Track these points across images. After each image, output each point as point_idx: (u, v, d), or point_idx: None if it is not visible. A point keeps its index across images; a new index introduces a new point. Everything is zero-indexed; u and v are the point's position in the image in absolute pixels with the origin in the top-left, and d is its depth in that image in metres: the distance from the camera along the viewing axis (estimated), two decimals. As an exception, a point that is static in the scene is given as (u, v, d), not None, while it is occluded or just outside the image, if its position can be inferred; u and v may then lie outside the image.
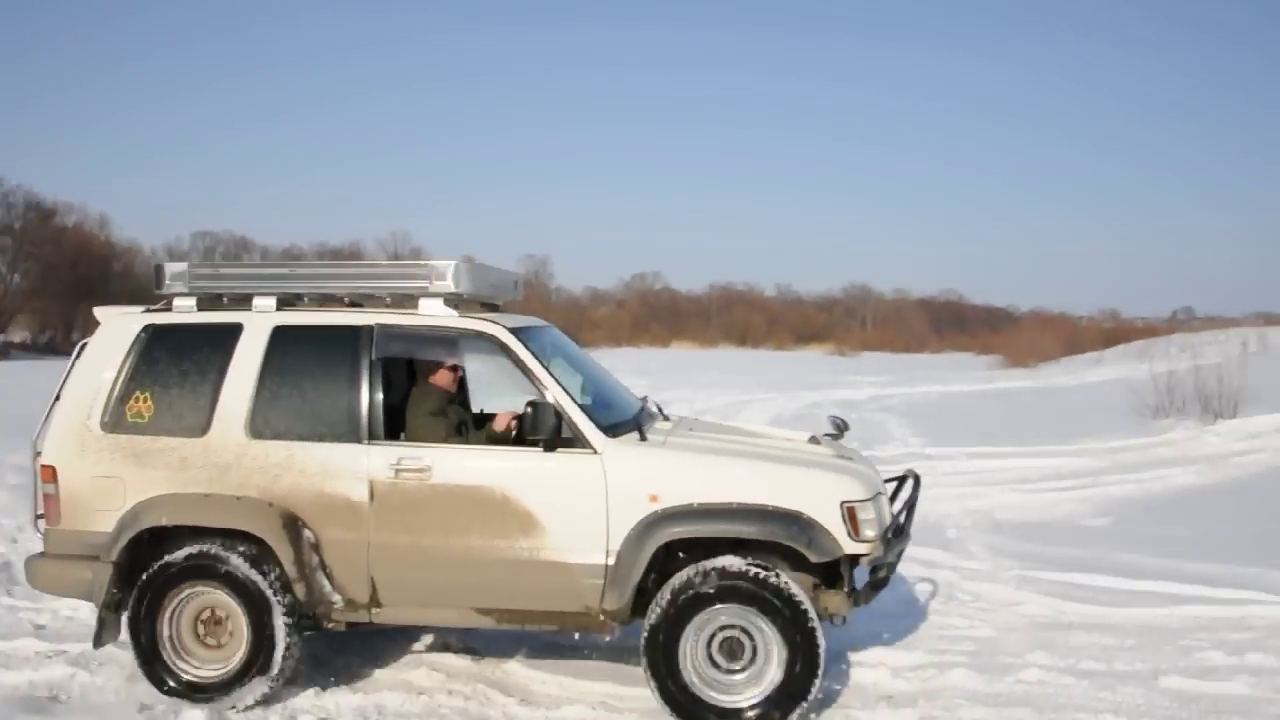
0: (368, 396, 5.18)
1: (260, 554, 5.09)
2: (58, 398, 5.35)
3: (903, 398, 26.08)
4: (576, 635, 5.36)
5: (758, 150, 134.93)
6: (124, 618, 5.17)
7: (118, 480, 5.20)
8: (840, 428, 6.09)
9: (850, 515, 4.86)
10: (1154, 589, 7.23)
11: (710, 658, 4.90)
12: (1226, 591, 7.06)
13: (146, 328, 5.38)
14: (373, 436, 5.14)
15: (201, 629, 5.20)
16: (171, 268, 5.48)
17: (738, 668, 4.88)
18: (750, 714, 4.79)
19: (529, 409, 4.91)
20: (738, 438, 5.73)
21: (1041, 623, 6.60)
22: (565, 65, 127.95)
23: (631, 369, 24.63)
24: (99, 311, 5.60)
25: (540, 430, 4.89)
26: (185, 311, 5.48)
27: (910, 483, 5.59)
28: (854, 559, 4.90)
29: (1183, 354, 22.44)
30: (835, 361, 57.46)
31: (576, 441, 4.99)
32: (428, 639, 6.10)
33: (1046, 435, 15.62)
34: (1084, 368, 31.02)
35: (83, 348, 5.47)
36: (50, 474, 5.26)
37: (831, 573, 5.03)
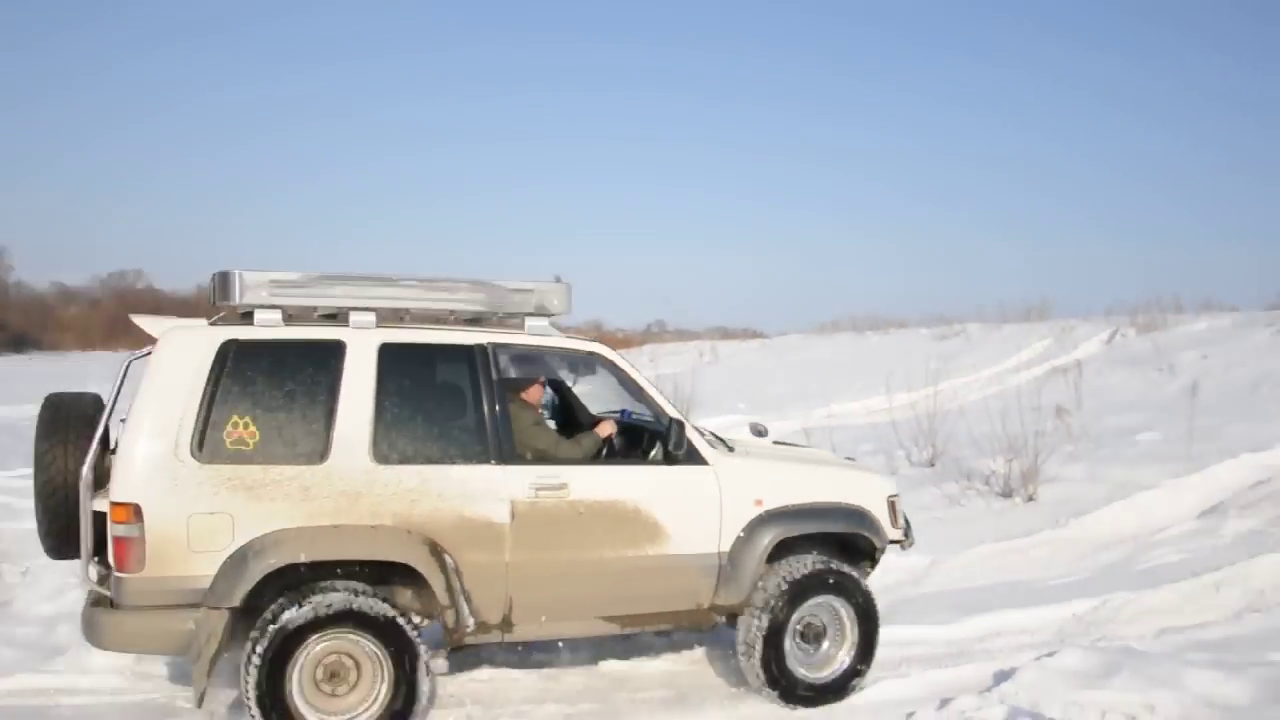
0: (493, 417, 5.16)
1: (400, 589, 5.00)
2: (123, 423, 4.65)
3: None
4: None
5: (259, 146, 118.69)
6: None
7: (224, 516, 4.62)
8: (761, 433, 6.78)
9: (891, 507, 5.98)
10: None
11: (798, 640, 5.63)
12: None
13: (229, 343, 4.78)
14: (501, 457, 5.13)
15: (321, 680, 4.74)
16: (250, 277, 4.86)
17: (823, 646, 5.71)
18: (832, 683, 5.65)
19: (672, 426, 5.34)
20: (786, 449, 6.56)
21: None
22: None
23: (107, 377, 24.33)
24: (150, 323, 4.99)
25: (680, 446, 5.34)
26: (271, 326, 4.96)
27: None
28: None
29: (651, 364, 24.50)
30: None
31: (693, 456, 5.43)
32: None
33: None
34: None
35: (131, 366, 4.98)
36: (131, 513, 4.51)
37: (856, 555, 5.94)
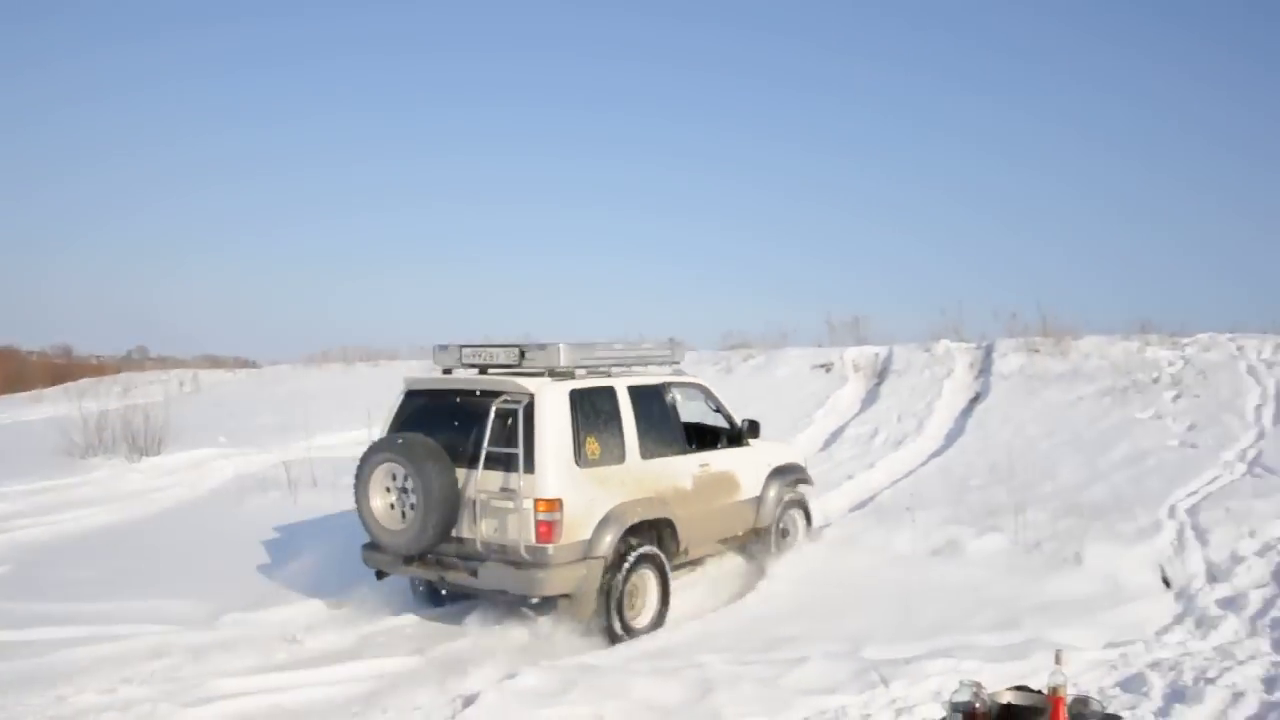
0: (678, 424, 8.36)
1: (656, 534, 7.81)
2: (529, 451, 6.95)
3: None
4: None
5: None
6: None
7: (593, 500, 7.24)
8: (756, 429, 9.67)
9: (805, 464, 10.04)
10: (50, 635, 7.39)
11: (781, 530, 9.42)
12: (121, 628, 7.54)
13: (574, 392, 7.35)
14: (684, 450, 8.28)
15: (630, 595, 7.54)
16: (568, 352, 7.47)
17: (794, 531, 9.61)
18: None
19: (748, 424, 9.20)
20: (773, 440, 10.16)
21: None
22: None
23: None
24: (533, 383, 7.21)
25: (757, 435, 9.28)
26: (583, 379, 7.58)
27: None
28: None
29: (127, 393, 23.72)
30: None
31: (746, 442, 9.12)
32: None
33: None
34: (21, 406, 29.08)
35: (514, 410, 7.06)
36: (555, 505, 6.96)
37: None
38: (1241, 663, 6.48)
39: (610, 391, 7.68)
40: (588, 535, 7.14)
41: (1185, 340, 15.45)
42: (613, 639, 7.28)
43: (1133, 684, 6.24)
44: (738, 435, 9.06)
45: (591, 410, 7.41)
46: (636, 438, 7.69)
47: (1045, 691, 4.05)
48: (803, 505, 9.64)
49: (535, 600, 7.13)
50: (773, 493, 9.15)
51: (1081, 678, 6.29)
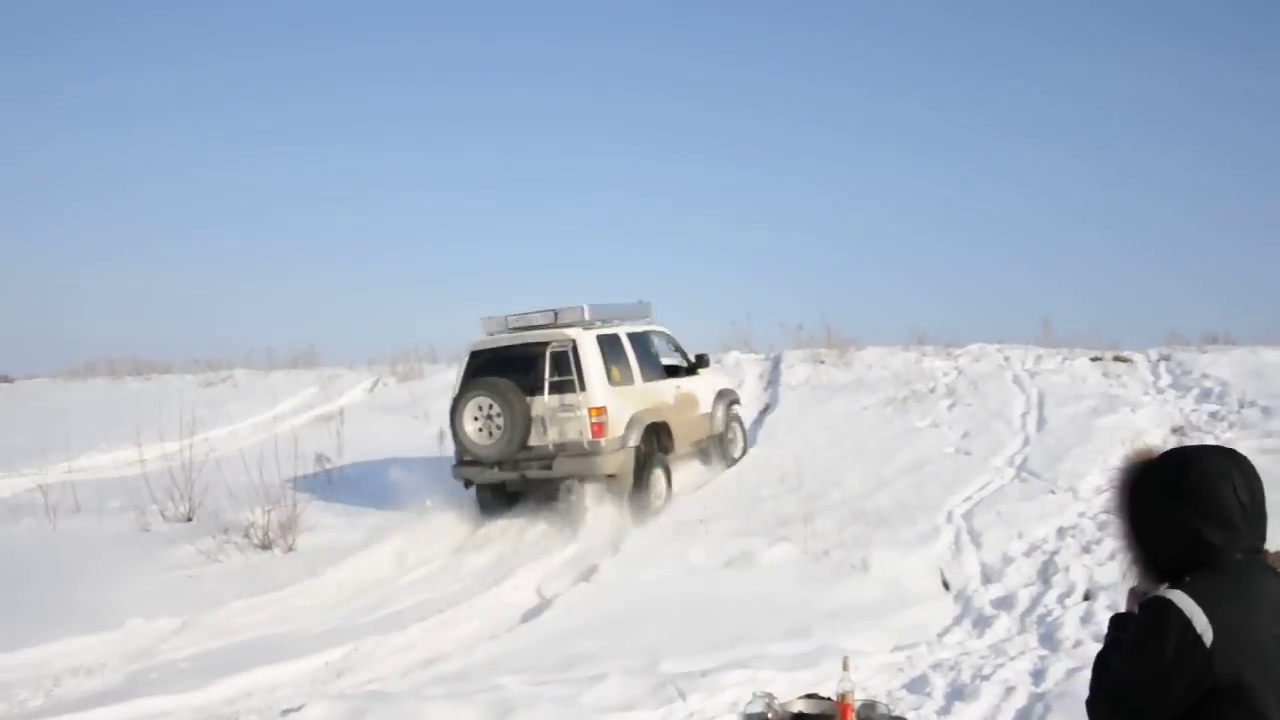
0: (658, 358, 11.90)
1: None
2: (580, 377, 10.22)
3: None
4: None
5: None
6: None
7: (621, 408, 10.49)
8: (706, 362, 12.83)
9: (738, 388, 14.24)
10: None
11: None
12: None
13: (600, 336, 10.68)
14: (664, 375, 11.72)
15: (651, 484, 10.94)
16: (589, 311, 10.85)
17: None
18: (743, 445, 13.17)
19: (700, 358, 12.42)
20: (714, 370, 13.61)
21: None
22: None
23: None
24: (573, 332, 10.49)
25: (707, 366, 12.54)
26: (600, 329, 10.88)
27: None
28: None
29: None
30: None
31: (699, 371, 12.29)
32: None
33: None
34: None
35: (564, 351, 10.37)
36: (602, 410, 10.23)
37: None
38: (1013, 659, 6.81)
39: (617, 336, 11.07)
40: (622, 432, 10.46)
41: (958, 351, 16.32)
42: (642, 507, 10.60)
43: (917, 685, 6.46)
44: (693, 367, 12.28)
45: (609, 348, 10.72)
46: (638, 367, 11.05)
47: (834, 698, 4.11)
48: (739, 420, 12.98)
49: (595, 480, 10.38)
50: (720, 408, 12.38)
51: (870, 682, 6.45)
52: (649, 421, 10.80)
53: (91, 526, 10.79)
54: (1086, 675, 6.23)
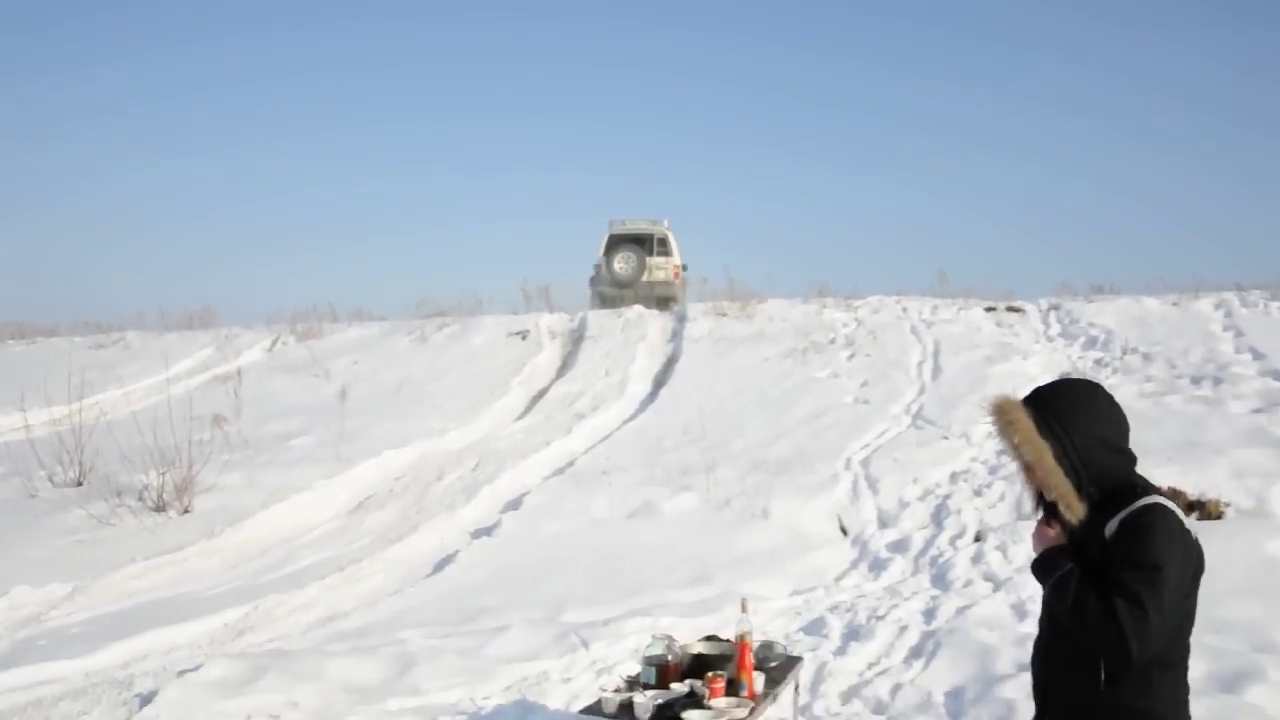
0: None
1: None
2: (668, 247, 19.61)
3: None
4: None
5: None
6: None
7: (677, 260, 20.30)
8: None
9: None
10: None
11: None
12: None
13: (670, 231, 19.99)
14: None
15: None
16: (667, 221, 19.84)
17: None
18: None
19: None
20: None
21: None
22: None
23: None
24: (660, 229, 19.73)
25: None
26: (669, 228, 20.07)
27: None
28: None
29: None
30: None
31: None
32: None
33: None
34: None
35: (663, 235, 19.68)
36: (679, 267, 19.90)
37: None
38: (906, 599, 7.02)
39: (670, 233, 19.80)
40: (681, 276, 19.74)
41: (858, 303, 16.61)
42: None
43: (815, 627, 6.63)
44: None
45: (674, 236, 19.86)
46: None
47: (733, 639, 4.20)
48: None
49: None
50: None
51: (769, 625, 6.61)
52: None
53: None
54: (977, 613, 6.52)
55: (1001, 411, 2.51)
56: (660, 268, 19.16)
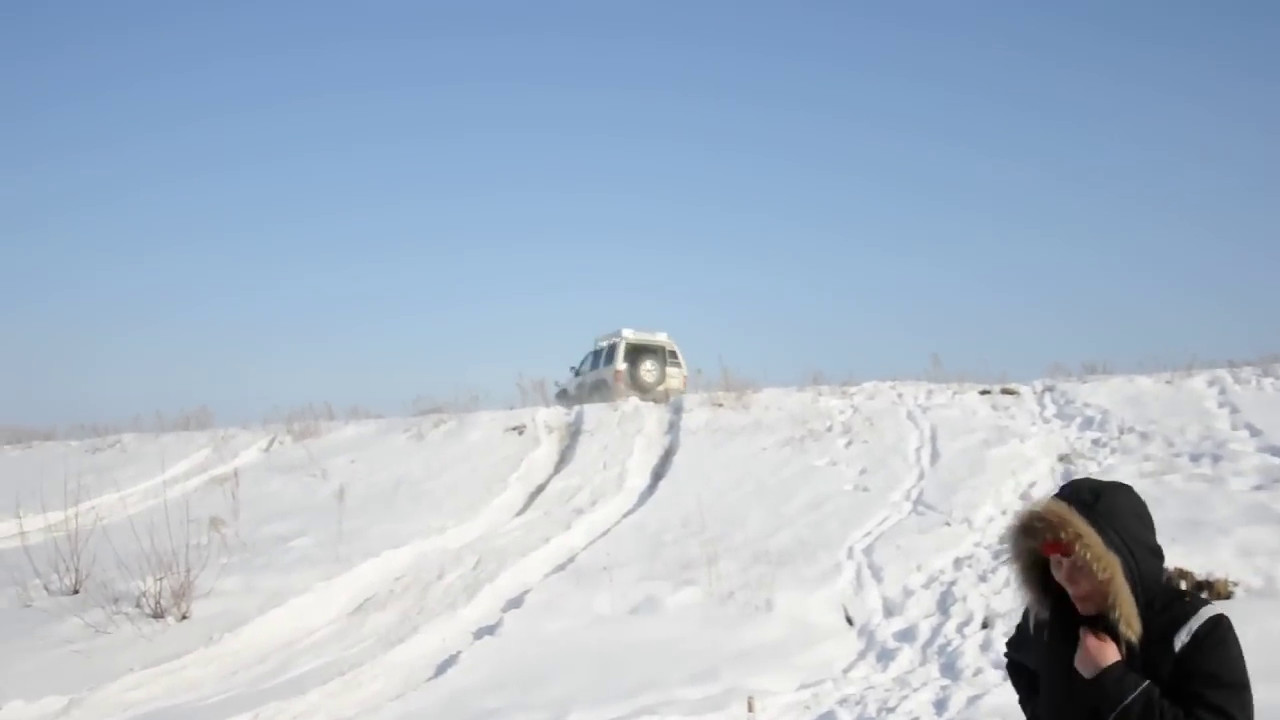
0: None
1: None
2: (676, 356, 22.64)
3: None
4: None
5: None
6: None
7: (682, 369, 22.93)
8: None
9: None
10: None
11: None
12: None
13: (629, 344, 21.99)
14: None
15: None
16: (626, 332, 21.99)
17: None
18: None
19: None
20: None
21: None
22: None
23: None
24: (662, 338, 22.63)
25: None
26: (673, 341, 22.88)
27: None
28: None
29: None
30: None
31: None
32: None
33: None
34: None
35: (671, 349, 22.58)
36: (685, 375, 22.04)
37: None
38: (916, 690, 6.93)
39: (615, 343, 21.77)
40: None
41: (853, 389, 16.65)
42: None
43: (824, 722, 6.52)
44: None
45: (636, 352, 21.71)
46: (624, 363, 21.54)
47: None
48: None
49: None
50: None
51: (778, 721, 6.51)
52: None
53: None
54: (989, 702, 6.46)
55: (1063, 522, 2.37)
56: (674, 376, 21.86)
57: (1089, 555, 2.32)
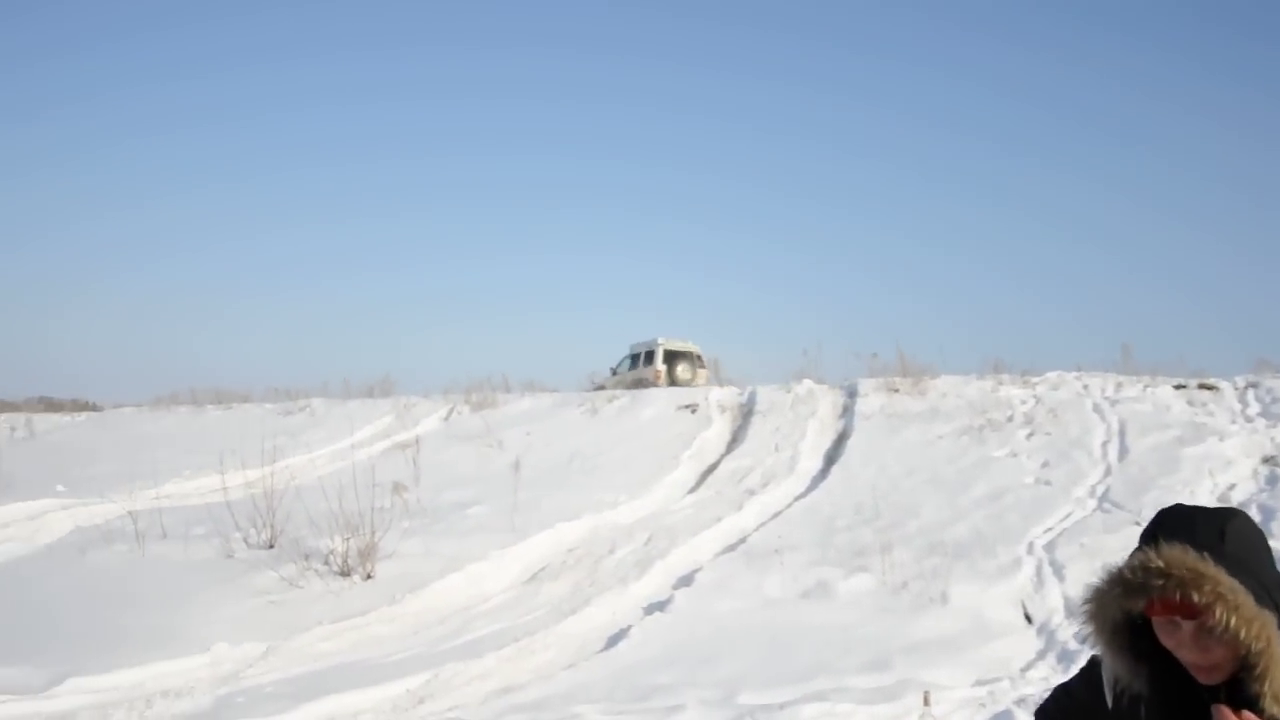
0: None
1: None
2: (703, 360, 26.12)
3: None
4: None
5: None
6: None
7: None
8: None
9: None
10: None
11: None
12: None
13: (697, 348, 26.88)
14: None
15: None
16: (661, 338, 26.18)
17: None
18: None
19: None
20: None
21: None
22: None
23: None
24: (692, 345, 26.75)
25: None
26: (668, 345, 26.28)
27: None
28: None
29: None
30: None
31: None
32: None
33: None
34: None
35: (699, 354, 26.51)
36: (709, 373, 25.70)
37: None
38: (1101, 696, 6.66)
39: (652, 349, 25.84)
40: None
41: (1035, 379, 16.06)
42: None
43: (1001, 721, 6.34)
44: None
45: (675, 356, 25.92)
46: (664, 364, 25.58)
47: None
48: None
49: None
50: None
51: (952, 717, 6.36)
52: None
53: (178, 553, 11.00)
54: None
55: (1197, 578, 1.72)
56: (701, 375, 25.77)
57: (1234, 620, 1.69)
